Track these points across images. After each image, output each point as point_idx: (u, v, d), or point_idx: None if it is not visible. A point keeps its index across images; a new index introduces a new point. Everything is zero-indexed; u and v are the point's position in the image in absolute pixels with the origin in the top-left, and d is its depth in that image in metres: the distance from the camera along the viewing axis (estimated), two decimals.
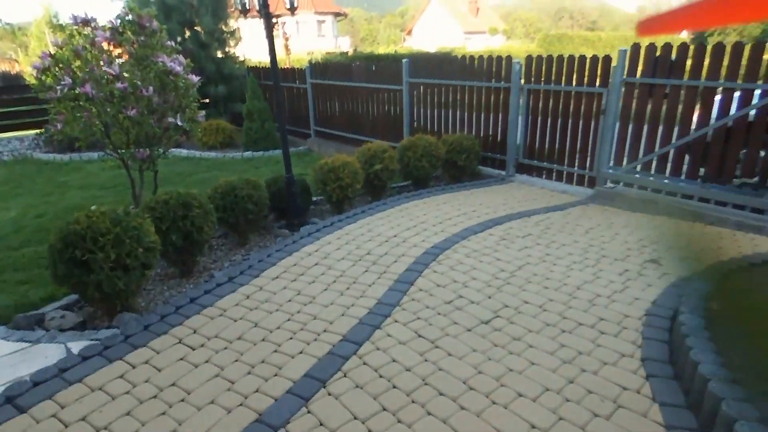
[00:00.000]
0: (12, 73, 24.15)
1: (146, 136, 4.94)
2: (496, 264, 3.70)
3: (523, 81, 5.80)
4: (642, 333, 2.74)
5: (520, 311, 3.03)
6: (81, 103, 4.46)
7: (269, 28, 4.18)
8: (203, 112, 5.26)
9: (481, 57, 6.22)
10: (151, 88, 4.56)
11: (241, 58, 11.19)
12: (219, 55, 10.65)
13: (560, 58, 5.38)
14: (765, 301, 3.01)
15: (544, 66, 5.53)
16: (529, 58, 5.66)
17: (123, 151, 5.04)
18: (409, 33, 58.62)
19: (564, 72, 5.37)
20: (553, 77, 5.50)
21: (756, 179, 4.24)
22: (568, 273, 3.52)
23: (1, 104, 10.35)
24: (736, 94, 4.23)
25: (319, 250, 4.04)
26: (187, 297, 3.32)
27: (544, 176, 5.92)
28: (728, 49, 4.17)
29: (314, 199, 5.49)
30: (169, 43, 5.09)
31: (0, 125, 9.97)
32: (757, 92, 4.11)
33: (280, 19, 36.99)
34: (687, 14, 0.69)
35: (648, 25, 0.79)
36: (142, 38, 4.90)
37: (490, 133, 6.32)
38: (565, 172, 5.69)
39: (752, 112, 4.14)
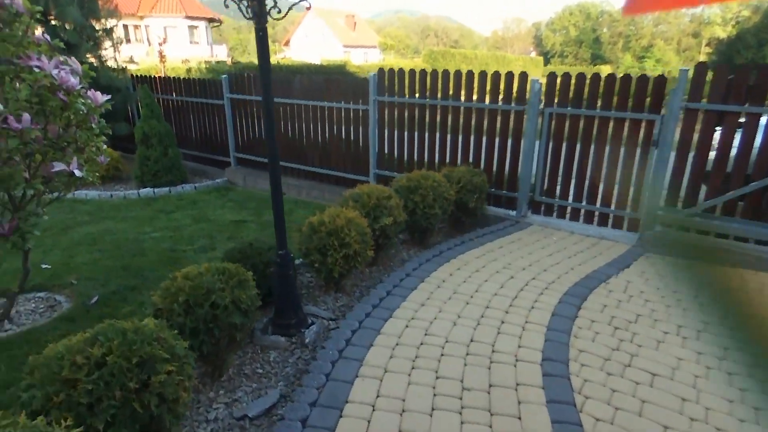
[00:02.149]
0: None
1: (9, 197, 2.85)
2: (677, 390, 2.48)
3: (542, 104, 4.75)
4: None
5: None
6: None
7: (262, 27, 2.46)
8: (105, 151, 3.30)
9: (482, 72, 5.05)
10: (26, 116, 2.53)
11: (122, 65, 8.66)
12: (91, 60, 8.06)
13: (596, 77, 4.43)
14: None
15: (573, 86, 4.55)
16: (551, 76, 4.63)
17: None
18: (287, 44, 56.75)
19: (599, 94, 4.43)
20: (584, 100, 4.53)
21: None
22: None
23: None
24: None
25: (364, 391, 2.43)
26: None
27: (566, 217, 4.93)
28: None
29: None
30: (42, 35, 3.05)
31: None
32: None
33: (143, 22, 32.55)
34: None
35: (634, 4, 0.76)
36: None
37: (495, 165, 5.17)
38: (597, 213, 4.75)
39: None
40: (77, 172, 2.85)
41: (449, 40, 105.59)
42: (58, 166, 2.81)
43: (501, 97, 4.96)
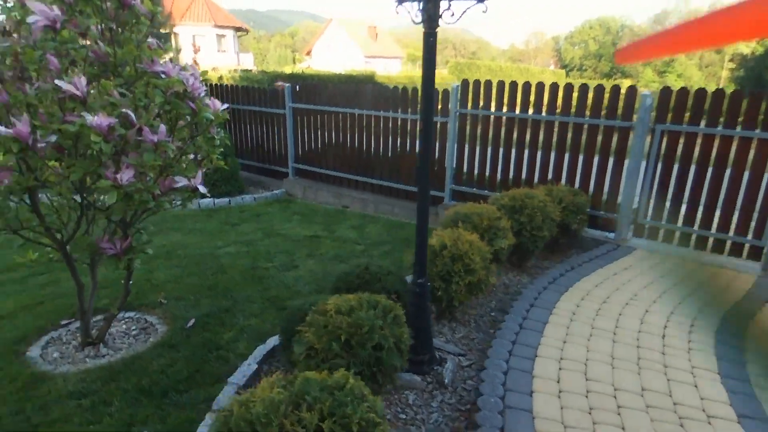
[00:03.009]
0: None
1: (131, 212, 2.62)
2: None
3: (652, 121, 4.42)
4: None
5: None
6: None
7: (433, 32, 2.18)
8: (219, 163, 3.06)
9: (584, 85, 4.74)
10: (163, 127, 2.28)
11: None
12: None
13: (719, 93, 4.09)
14: None
15: (692, 101, 4.21)
16: (665, 91, 4.30)
17: (63, 234, 2.65)
18: (309, 54, 57.17)
19: (725, 110, 4.10)
20: (705, 116, 4.20)
21: None
22: None
23: None
24: None
25: None
26: None
27: (675, 242, 4.57)
28: None
29: None
30: (152, 40, 2.83)
31: None
32: None
33: (173, 30, 32.86)
34: (665, 40, 0.68)
35: (626, 52, 0.78)
36: (115, 27, 2.61)
37: (592, 184, 4.84)
38: (711, 239, 4.38)
39: None
40: (201, 188, 2.60)
41: (467, 52, 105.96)
42: (181, 181, 2.55)
43: (603, 113, 4.65)
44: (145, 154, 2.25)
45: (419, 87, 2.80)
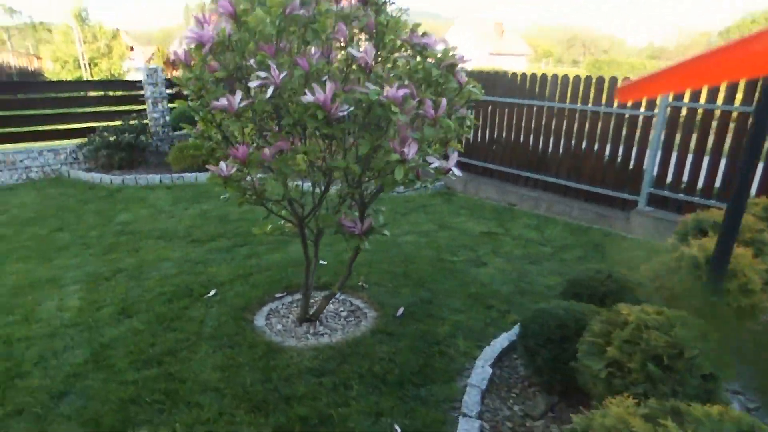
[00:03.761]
0: (30, 69, 21.66)
1: (360, 193, 2.53)
2: None
3: None
4: None
5: None
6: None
7: None
8: (456, 146, 2.82)
9: None
10: (444, 101, 2.09)
11: None
12: None
13: None
14: None
15: None
16: None
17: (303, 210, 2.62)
18: None
19: None
20: None
21: None
22: None
23: (20, 105, 7.83)
24: None
25: None
26: None
27: None
28: None
29: None
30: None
31: (23, 133, 7.41)
32: None
33: None
34: (666, 78, 0.69)
35: (628, 90, 0.79)
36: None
37: None
38: None
39: None
40: (457, 171, 2.39)
41: (597, 50, 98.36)
42: (434, 161, 2.37)
43: None
44: (426, 129, 2.09)
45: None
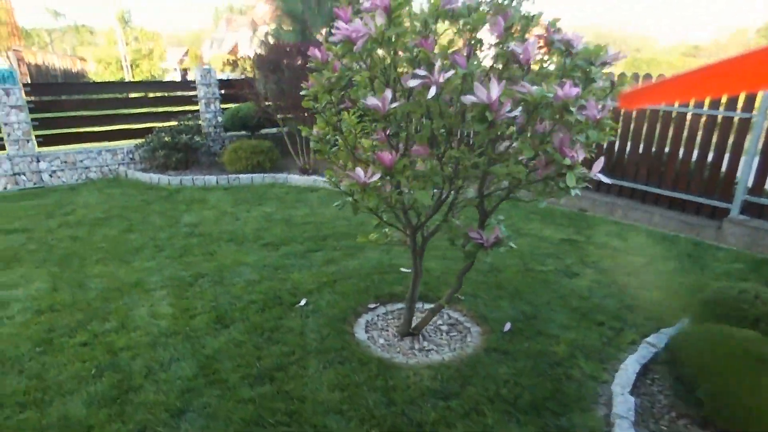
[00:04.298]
0: (73, 70, 22.21)
1: (480, 201, 2.35)
2: None
3: None
4: None
5: None
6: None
7: None
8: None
9: None
10: (609, 103, 1.88)
11: None
12: None
13: None
14: None
15: None
16: None
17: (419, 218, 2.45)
18: None
19: None
20: None
21: None
22: None
23: (81, 106, 7.90)
24: None
25: None
26: None
27: None
28: None
29: None
30: None
31: (81, 133, 7.46)
32: None
33: None
34: (669, 87, 0.68)
35: (631, 97, 0.77)
36: None
37: None
38: None
39: None
40: (604, 178, 2.18)
41: (628, 48, 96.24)
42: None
43: None
44: (590, 132, 1.88)
45: None
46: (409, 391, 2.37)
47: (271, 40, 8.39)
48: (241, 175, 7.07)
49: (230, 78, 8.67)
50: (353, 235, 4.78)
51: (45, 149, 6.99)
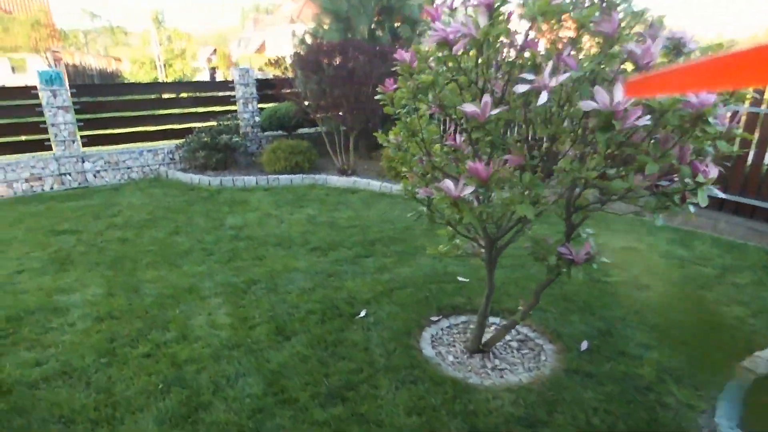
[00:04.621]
0: (109, 70, 22.72)
1: (567, 215, 2.15)
2: None
3: None
4: None
5: None
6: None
7: None
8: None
9: None
10: (732, 110, 1.64)
11: None
12: None
13: None
14: None
15: None
16: None
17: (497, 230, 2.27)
18: None
19: None
20: None
21: None
22: None
23: (124, 106, 7.95)
24: None
25: None
26: None
27: None
28: None
29: None
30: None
31: (123, 134, 7.51)
32: None
33: None
34: (676, 76, 0.65)
35: (637, 85, 0.77)
36: None
37: None
38: None
39: None
40: (717, 192, 1.97)
41: None
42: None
43: None
44: (719, 143, 1.69)
45: None
46: (491, 417, 2.21)
47: (309, 39, 8.30)
48: (280, 176, 7.01)
49: (268, 78, 8.62)
50: (402, 240, 4.64)
51: (89, 149, 7.06)
